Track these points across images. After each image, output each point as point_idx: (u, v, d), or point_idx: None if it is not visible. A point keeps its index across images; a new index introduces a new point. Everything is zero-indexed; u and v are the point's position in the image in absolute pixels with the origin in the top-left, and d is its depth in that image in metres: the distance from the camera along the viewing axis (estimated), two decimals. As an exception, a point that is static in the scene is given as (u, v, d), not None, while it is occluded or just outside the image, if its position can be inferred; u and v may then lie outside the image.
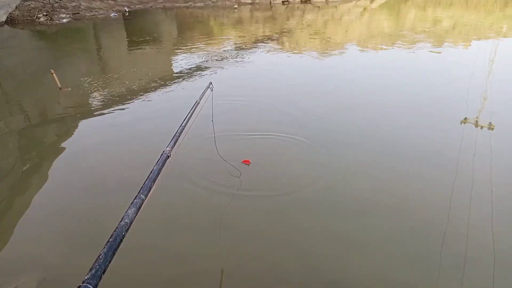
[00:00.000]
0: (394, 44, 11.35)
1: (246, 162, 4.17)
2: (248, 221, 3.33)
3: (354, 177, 4.00)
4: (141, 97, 6.66)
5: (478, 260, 2.88)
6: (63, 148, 4.80)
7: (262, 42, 11.90)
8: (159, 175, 1.43)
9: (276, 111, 5.78)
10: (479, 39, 12.07)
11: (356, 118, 5.55)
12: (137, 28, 15.40)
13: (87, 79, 7.78)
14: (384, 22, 17.06)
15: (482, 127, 5.17)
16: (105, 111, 6.00)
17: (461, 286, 2.65)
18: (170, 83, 7.51)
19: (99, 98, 6.74)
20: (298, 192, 3.71)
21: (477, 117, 5.42)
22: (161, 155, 1.59)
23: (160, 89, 7.11)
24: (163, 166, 1.49)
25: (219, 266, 2.83)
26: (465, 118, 5.37)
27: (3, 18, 14.88)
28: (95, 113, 5.94)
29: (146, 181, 1.38)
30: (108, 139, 5.06)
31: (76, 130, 5.40)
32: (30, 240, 3.19)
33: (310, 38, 12.66)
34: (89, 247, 2.98)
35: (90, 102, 6.58)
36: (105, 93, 6.99)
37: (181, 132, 1.86)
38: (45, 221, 3.44)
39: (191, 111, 2.19)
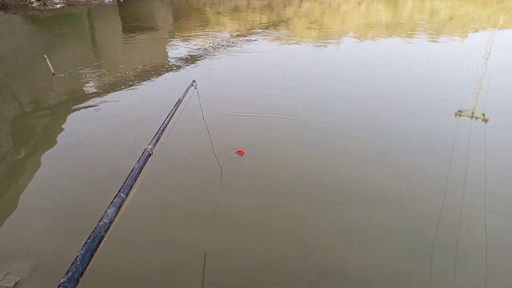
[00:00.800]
0: (391, 34, 11.27)
1: (240, 153, 4.16)
2: (245, 209, 3.33)
3: (350, 168, 3.98)
4: (135, 84, 6.58)
5: (475, 251, 2.89)
6: (56, 135, 4.77)
7: (259, 30, 11.77)
8: (141, 173, 1.40)
9: (272, 96, 5.82)
10: (476, 30, 12.01)
11: (352, 107, 5.54)
12: (132, 15, 15.17)
13: (80, 65, 7.67)
14: (381, 13, 16.92)
15: (477, 118, 5.17)
16: (98, 98, 5.93)
17: (458, 279, 2.66)
18: (164, 71, 7.42)
19: (92, 84, 6.66)
20: (293, 183, 3.71)
21: (473, 109, 5.41)
22: (142, 153, 1.55)
23: (154, 77, 7.03)
24: (144, 164, 1.46)
25: (216, 256, 2.83)
26: (460, 110, 5.36)
27: (-5, 3, 14.58)
28: (88, 100, 5.86)
29: (127, 179, 1.34)
30: (101, 126, 5.02)
31: (69, 116, 5.34)
32: (22, 227, 3.18)
33: (308, 27, 12.53)
34: (81, 234, 2.96)
35: (83, 88, 6.50)
36: (99, 79, 6.90)
37: (163, 129, 1.82)
38: (37, 207, 3.43)
39: (174, 109, 2.15)
